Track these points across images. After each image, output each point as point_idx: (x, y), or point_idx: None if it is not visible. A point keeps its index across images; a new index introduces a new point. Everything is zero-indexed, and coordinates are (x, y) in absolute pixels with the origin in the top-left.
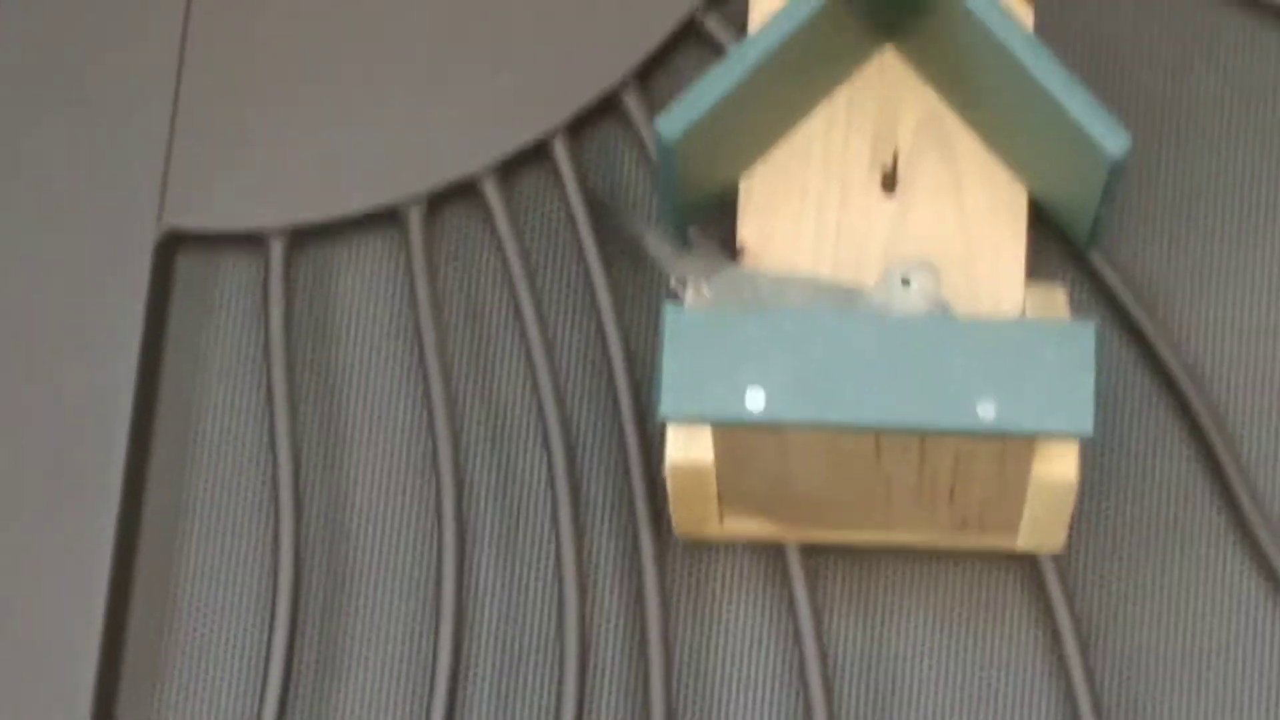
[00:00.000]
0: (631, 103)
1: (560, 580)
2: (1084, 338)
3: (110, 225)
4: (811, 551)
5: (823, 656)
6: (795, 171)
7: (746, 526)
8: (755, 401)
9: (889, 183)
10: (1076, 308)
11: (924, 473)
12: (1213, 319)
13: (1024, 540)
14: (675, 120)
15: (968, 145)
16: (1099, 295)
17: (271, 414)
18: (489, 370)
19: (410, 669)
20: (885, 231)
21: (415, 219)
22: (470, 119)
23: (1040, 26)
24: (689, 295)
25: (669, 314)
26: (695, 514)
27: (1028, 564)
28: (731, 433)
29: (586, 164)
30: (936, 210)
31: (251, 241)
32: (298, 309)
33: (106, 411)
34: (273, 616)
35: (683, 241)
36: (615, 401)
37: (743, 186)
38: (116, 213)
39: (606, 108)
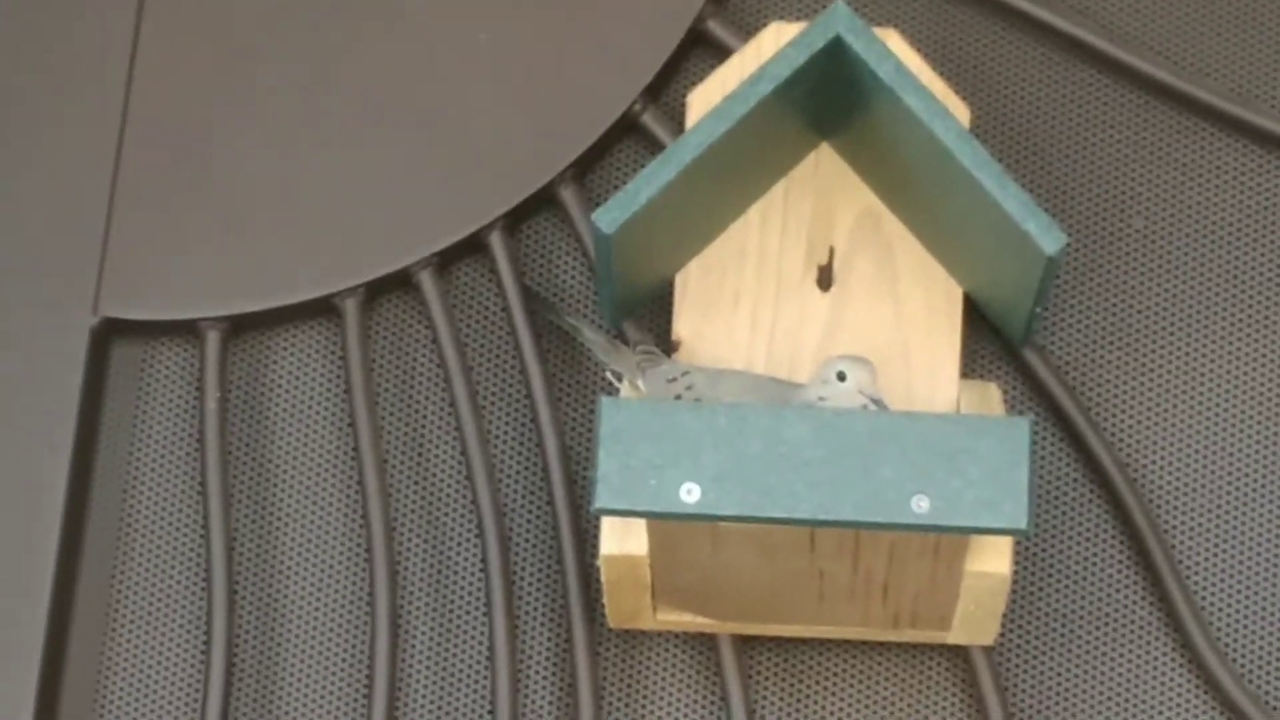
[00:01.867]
0: (568, 197)
1: (493, 669)
2: (1018, 434)
3: (46, 313)
4: (745, 642)
5: None
6: (731, 268)
7: (680, 619)
8: (690, 495)
9: (825, 280)
10: (1011, 404)
11: (858, 568)
12: (1146, 415)
13: (956, 634)
14: (612, 215)
15: (904, 243)
16: (1033, 392)
17: (205, 502)
18: (424, 460)
19: None
20: (820, 328)
21: (352, 310)
22: (407, 211)
23: (977, 125)
24: (624, 389)
25: (604, 407)
26: (629, 606)
27: (960, 657)
28: (666, 526)
29: (523, 257)
30: (872, 307)
31: (187, 331)
32: (233, 398)
33: (40, 497)
34: (203, 708)
35: (618, 335)
36: (550, 493)
37: (679, 281)
38: (52, 301)
39: (543, 202)
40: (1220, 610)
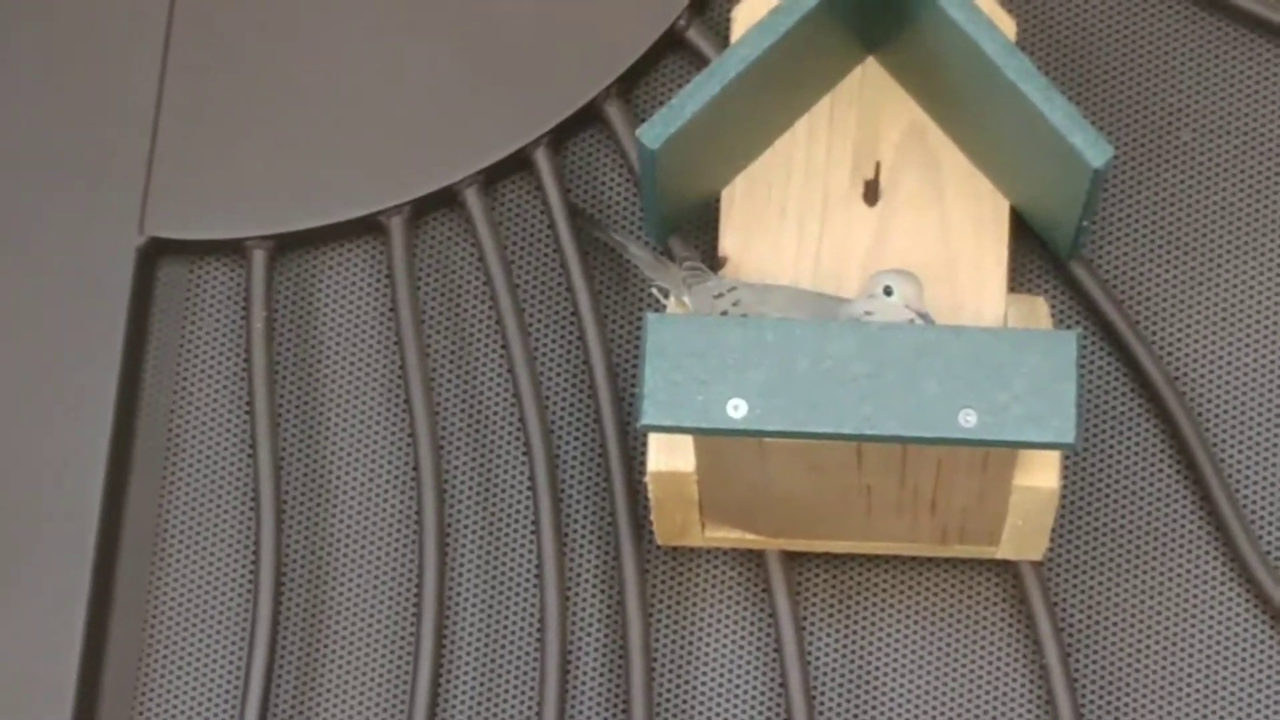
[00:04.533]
0: (613, 113)
1: (541, 588)
2: (1066, 347)
3: (92, 234)
4: (793, 559)
5: (804, 665)
6: (777, 183)
7: (728, 535)
8: (736, 411)
9: (871, 194)
10: (1058, 318)
11: (905, 483)
12: (1194, 328)
13: (1005, 549)
14: (657, 130)
15: (950, 157)
16: (1081, 305)
17: (252, 421)
18: (471, 379)
19: (391, 677)
20: (867, 242)
21: (397, 228)
22: (452, 129)
23: (1023, 38)
24: (670, 305)
25: (650, 323)
26: (676, 522)
27: (1009, 571)
28: (713, 442)
29: (568, 174)
30: (919, 222)
31: (233, 250)
32: (279, 317)
33: (88, 417)
34: (253, 626)
35: (664, 251)
36: (597, 410)
37: (724, 197)
38: (99, 221)
39: (588, 118)
40: (1269, 522)
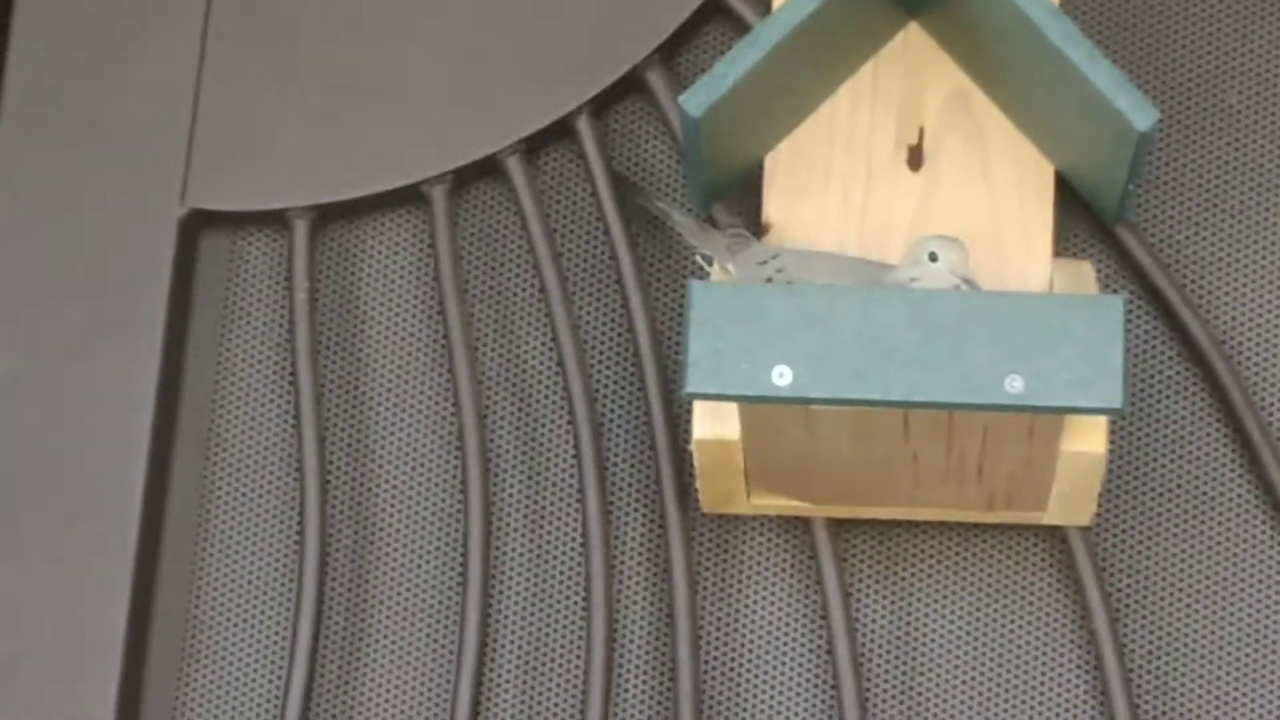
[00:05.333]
0: (655, 80)
1: (587, 556)
2: (1112, 312)
3: (134, 205)
4: (840, 526)
5: (850, 632)
6: (820, 149)
7: (774, 503)
8: (782, 378)
9: (915, 160)
10: (1105, 283)
11: (952, 449)
12: (1241, 293)
13: (1052, 515)
14: (699, 97)
15: (994, 122)
16: (1127, 270)
17: (296, 392)
18: (514, 348)
19: (437, 645)
20: (911, 209)
21: (440, 198)
22: (494, 97)
23: (1066, 1)
24: (714, 272)
25: (695, 291)
26: (722, 490)
27: (1056, 538)
28: (758, 409)
29: (611, 142)
30: (963, 187)
31: (275, 221)
32: (322, 288)
33: (131, 389)
34: (298, 594)
35: (708, 219)
36: (641, 378)
37: (768, 164)
38: (140, 193)
39: (630, 86)
40: None
